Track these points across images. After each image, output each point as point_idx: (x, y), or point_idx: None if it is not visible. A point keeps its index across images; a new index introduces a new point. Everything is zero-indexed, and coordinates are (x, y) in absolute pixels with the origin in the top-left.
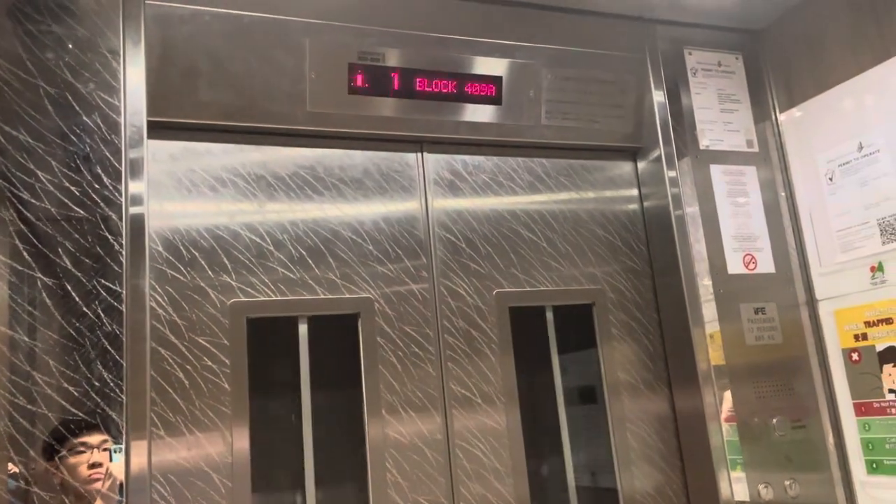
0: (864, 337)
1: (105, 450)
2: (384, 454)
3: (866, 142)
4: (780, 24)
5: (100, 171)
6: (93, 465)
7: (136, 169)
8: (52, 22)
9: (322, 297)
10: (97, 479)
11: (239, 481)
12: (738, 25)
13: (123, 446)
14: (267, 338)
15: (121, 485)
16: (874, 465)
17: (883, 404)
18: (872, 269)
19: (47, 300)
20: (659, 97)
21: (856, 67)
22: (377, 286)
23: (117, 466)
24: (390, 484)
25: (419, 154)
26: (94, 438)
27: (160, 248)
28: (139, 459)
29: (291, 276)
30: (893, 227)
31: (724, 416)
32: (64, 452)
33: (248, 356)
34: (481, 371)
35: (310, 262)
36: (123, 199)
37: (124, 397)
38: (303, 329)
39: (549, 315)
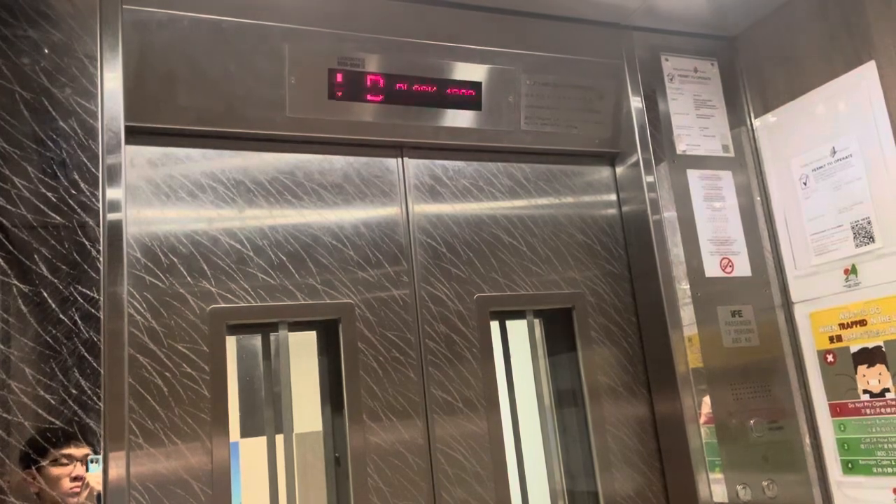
0: (839, 339)
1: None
2: (366, 459)
3: (839, 146)
4: (753, 30)
5: (77, 176)
6: (75, 479)
7: (113, 174)
8: (27, 26)
9: (302, 302)
10: (77, 493)
11: (219, 489)
12: (713, 32)
13: (101, 456)
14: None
15: (98, 494)
16: (850, 465)
17: (858, 405)
18: (846, 271)
19: (23, 307)
20: (636, 103)
21: (828, 73)
22: (358, 291)
23: (94, 476)
24: (372, 489)
25: (399, 159)
26: (79, 451)
27: (138, 255)
28: (117, 467)
29: (271, 281)
30: (866, 230)
31: (702, 418)
32: (44, 463)
33: (227, 362)
34: (462, 376)
35: (290, 267)
36: (101, 205)
37: (102, 405)
38: (283, 335)
39: (530, 319)
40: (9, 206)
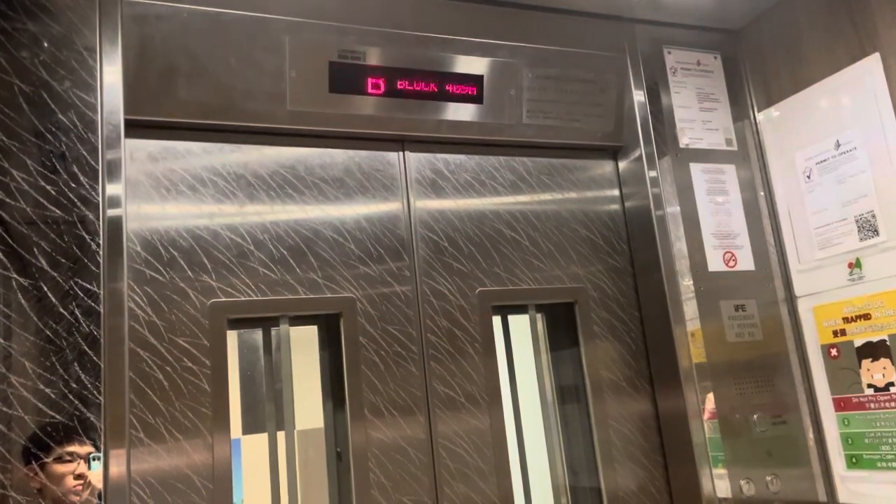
0: (843, 333)
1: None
2: (367, 454)
3: (843, 139)
4: (757, 23)
5: (76, 170)
6: (79, 476)
7: (113, 168)
8: (26, 19)
9: (304, 296)
10: (80, 491)
11: (220, 483)
12: (716, 25)
13: (102, 451)
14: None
15: (100, 492)
16: (854, 460)
17: (862, 399)
18: (850, 265)
19: (23, 301)
20: (639, 96)
21: (832, 66)
22: (359, 286)
23: (96, 475)
24: (374, 484)
25: (401, 153)
26: (82, 449)
27: (139, 249)
28: (118, 462)
29: (272, 276)
30: (870, 223)
31: (705, 413)
32: (48, 460)
33: (228, 357)
34: (464, 370)
35: (291, 261)
36: (100, 199)
37: (102, 399)
38: (284, 329)
39: (532, 314)
40: (8, 200)
